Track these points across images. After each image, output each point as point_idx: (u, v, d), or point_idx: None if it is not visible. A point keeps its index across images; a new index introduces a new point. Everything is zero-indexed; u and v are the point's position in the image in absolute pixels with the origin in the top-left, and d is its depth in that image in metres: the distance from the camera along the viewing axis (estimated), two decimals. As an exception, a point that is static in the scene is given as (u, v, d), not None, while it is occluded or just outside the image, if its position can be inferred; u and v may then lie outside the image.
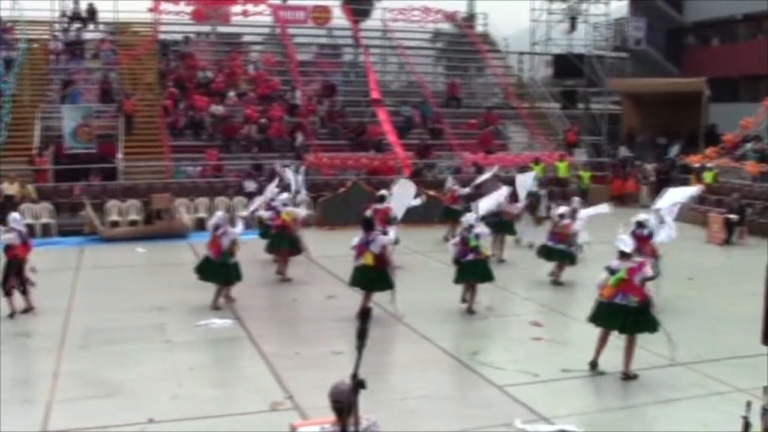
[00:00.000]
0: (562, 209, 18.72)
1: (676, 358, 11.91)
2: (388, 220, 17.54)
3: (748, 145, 30.54)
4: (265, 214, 19.49)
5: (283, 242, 18.57)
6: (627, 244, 11.70)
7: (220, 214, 16.24)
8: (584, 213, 18.91)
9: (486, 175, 24.32)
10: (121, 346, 13.05)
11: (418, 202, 18.79)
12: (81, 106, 28.75)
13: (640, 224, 15.45)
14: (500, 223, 20.58)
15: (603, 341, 11.72)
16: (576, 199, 20.41)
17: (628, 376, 11.46)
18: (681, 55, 43.16)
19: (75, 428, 9.57)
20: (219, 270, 15.53)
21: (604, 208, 19.21)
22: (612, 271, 11.44)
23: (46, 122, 28.88)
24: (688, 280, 18.30)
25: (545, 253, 18.41)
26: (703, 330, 14.29)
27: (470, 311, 15.26)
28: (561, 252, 18.07)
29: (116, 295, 16.66)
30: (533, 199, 23.21)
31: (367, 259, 14.43)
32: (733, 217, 24.23)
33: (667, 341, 11.70)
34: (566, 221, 18.09)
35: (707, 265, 21.10)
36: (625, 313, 11.39)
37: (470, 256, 15.20)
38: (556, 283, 18.07)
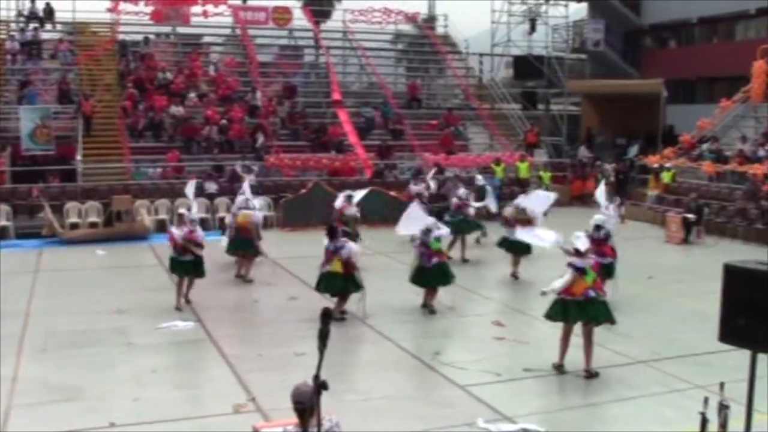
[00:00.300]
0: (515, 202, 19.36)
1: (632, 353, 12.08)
2: (345, 220, 17.61)
3: (705, 146, 30.93)
4: (228, 218, 19.37)
5: (247, 246, 18.50)
6: (584, 243, 11.82)
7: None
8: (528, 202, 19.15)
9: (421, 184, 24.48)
10: (82, 349, 12.94)
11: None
12: (39, 107, 28.41)
13: (598, 227, 15.62)
14: (462, 222, 20.70)
15: (567, 341, 11.81)
16: (521, 197, 20.65)
17: (590, 374, 11.58)
18: (638, 56, 43.56)
19: (34, 433, 9.50)
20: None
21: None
22: (578, 269, 11.54)
23: (3, 123, 28.49)
24: (647, 279, 18.51)
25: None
26: (662, 328, 14.46)
27: (431, 311, 15.34)
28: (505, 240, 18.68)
29: (76, 298, 16.51)
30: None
31: (336, 267, 14.49)
32: (691, 216, 24.53)
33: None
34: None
35: (666, 264, 21.35)
36: (602, 305, 11.66)
37: (434, 260, 15.30)
38: (514, 276, 18.50)
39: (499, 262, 19.10)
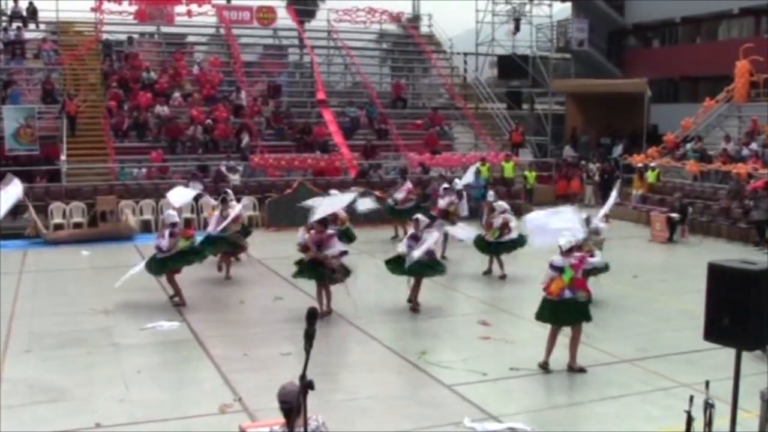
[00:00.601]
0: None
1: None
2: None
3: (689, 145, 31.08)
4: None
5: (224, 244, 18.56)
6: (568, 241, 11.84)
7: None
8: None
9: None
10: (67, 350, 12.88)
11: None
12: (22, 107, 28.24)
13: None
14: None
15: (553, 341, 11.84)
16: (491, 194, 20.64)
17: (573, 369, 11.62)
18: (622, 56, 43.77)
19: (19, 434, 9.45)
20: None
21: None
22: (556, 268, 11.57)
23: (-13, 123, 28.33)
24: (632, 278, 18.57)
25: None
26: (647, 327, 14.51)
27: (414, 309, 15.41)
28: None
29: (61, 299, 16.44)
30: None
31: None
32: (676, 215, 24.64)
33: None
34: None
35: (651, 263, 21.44)
36: (576, 307, 11.64)
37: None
38: (489, 274, 18.82)
39: (482, 260, 19.13)
